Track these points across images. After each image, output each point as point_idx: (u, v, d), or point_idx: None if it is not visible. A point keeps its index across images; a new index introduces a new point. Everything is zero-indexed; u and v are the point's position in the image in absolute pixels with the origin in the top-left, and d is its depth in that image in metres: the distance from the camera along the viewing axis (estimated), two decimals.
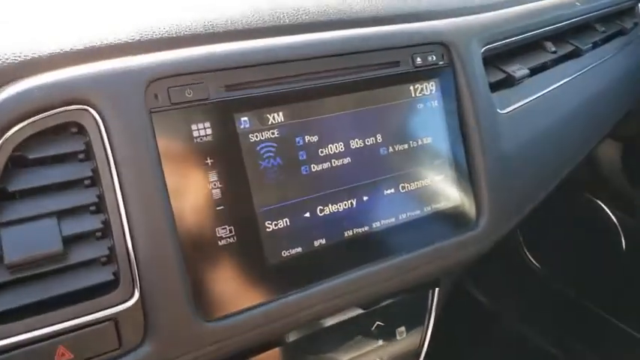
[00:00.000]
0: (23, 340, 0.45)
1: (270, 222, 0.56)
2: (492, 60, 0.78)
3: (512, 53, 0.83)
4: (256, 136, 0.55)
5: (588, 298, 1.34)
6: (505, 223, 0.72)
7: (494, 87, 0.75)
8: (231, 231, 0.54)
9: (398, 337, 0.72)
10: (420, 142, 0.66)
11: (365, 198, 0.62)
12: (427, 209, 0.66)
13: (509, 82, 0.79)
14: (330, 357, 0.68)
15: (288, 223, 0.57)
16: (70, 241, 0.47)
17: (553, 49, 0.88)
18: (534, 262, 1.51)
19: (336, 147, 0.60)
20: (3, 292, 0.45)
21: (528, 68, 0.81)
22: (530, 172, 0.77)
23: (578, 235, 1.40)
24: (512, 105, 0.77)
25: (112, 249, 0.49)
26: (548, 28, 0.86)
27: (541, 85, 0.83)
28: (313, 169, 0.58)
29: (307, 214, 0.58)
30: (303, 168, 0.58)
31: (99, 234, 0.49)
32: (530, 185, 0.78)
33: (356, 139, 0.61)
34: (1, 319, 0.44)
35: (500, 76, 0.78)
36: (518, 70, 0.79)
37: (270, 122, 0.56)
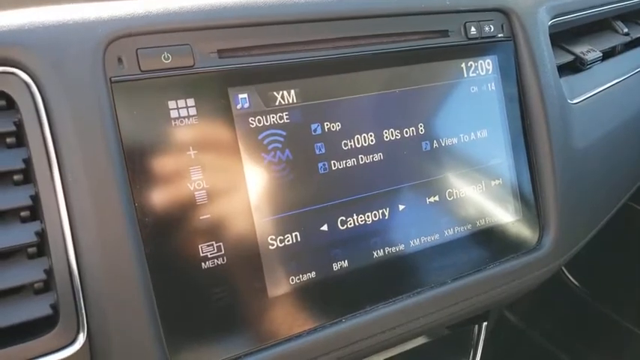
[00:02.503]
0: None
1: (274, 237, 0.41)
2: (557, 39, 0.62)
3: (578, 33, 0.68)
4: (259, 121, 0.41)
5: (632, 320, 1.17)
6: (574, 241, 0.57)
7: (560, 71, 0.60)
8: (219, 249, 0.39)
9: None
10: (472, 136, 0.51)
11: (401, 207, 0.47)
12: (479, 223, 0.51)
13: (577, 65, 0.63)
14: None
15: (299, 239, 0.42)
16: None
17: (625, 30, 0.73)
18: (572, 279, 1.35)
19: (365, 138, 0.45)
20: None
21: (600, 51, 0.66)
22: (604, 176, 0.61)
23: (620, 249, 1.24)
24: (582, 94, 0.61)
25: (49, 272, 0.34)
26: (622, 4, 0.70)
27: (613, 71, 0.68)
28: (334, 167, 0.44)
29: (325, 227, 0.44)
30: (320, 165, 0.43)
31: (32, 250, 0.34)
32: (605, 192, 0.62)
33: (391, 129, 0.46)
34: None
35: (567, 58, 0.63)
36: (588, 52, 0.64)
37: (277, 102, 0.42)
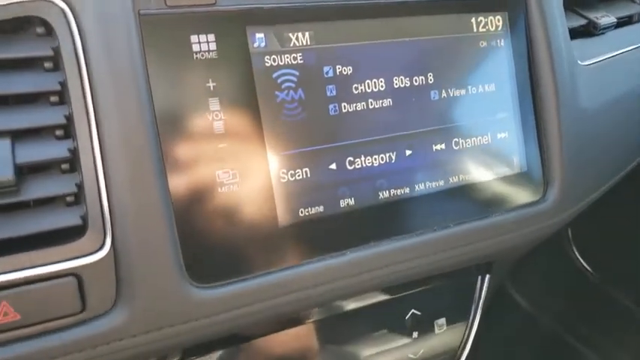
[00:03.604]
0: None
1: (285, 171, 0.44)
2: (572, 3, 0.63)
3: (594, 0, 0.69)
4: (273, 60, 0.44)
5: None
6: (578, 198, 0.58)
7: (572, 35, 0.61)
8: (234, 176, 0.42)
9: (436, 331, 0.59)
10: (480, 89, 0.53)
11: (408, 152, 0.49)
12: (484, 173, 0.53)
13: (590, 30, 0.64)
14: (352, 349, 0.56)
15: (309, 175, 0.45)
16: (26, 172, 0.37)
17: None
18: (585, 264, 1.35)
19: (375, 84, 0.48)
20: None
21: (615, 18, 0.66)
22: (610, 138, 0.63)
23: (633, 234, 1.23)
24: (593, 57, 0.62)
25: (80, 186, 0.38)
26: None
27: (627, 39, 0.68)
28: (344, 110, 0.46)
29: (333, 166, 0.46)
30: (331, 107, 0.46)
31: (65, 166, 0.38)
32: (611, 156, 0.64)
33: (401, 77, 0.49)
34: None
35: (580, 21, 0.64)
36: (602, 17, 0.65)
37: (292, 44, 0.44)
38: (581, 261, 1.34)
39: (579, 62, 0.59)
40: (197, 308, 0.41)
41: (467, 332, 0.63)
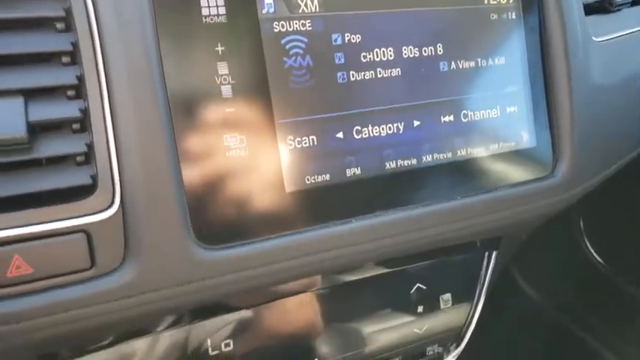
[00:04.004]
0: None
1: (292, 138, 0.45)
2: None
3: None
4: (282, 26, 0.44)
5: None
6: (588, 174, 0.58)
7: (587, 11, 0.60)
8: (242, 141, 0.43)
9: (442, 306, 0.60)
10: (490, 62, 0.52)
11: (416, 123, 0.49)
12: (493, 146, 0.53)
13: (605, 6, 0.63)
14: (356, 322, 0.57)
15: (316, 143, 0.46)
16: (38, 130, 0.38)
17: None
18: (597, 256, 1.33)
19: (384, 53, 0.48)
20: None
21: None
22: (623, 116, 0.62)
23: None
24: (608, 34, 0.61)
25: (90, 146, 0.39)
26: None
27: None
28: (352, 78, 0.47)
29: (340, 135, 0.47)
30: (339, 75, 0.46)
31: (76, 126, 0.39)
32: (623, 134, 0.63)
33: (410, 47, 0.48)
34: None
35: None
36: None
37: (301, 10, 0.44)
38: (593, 253, 1.33)
39: (593, 38, 0.59)
40: (203, 268, 0.41)
41: (472, 311, 0.63)
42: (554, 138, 0.55)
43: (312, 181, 0.46)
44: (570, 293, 1.33)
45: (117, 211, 0.39)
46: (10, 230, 0.36)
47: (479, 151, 0.52)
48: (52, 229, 0.37)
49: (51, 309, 0.37)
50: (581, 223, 1.31)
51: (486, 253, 0.61)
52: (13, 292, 0.37)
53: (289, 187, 0.45)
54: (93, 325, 0.40)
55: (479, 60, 0.52)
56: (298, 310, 0.53)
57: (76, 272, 0.38)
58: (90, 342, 0.45)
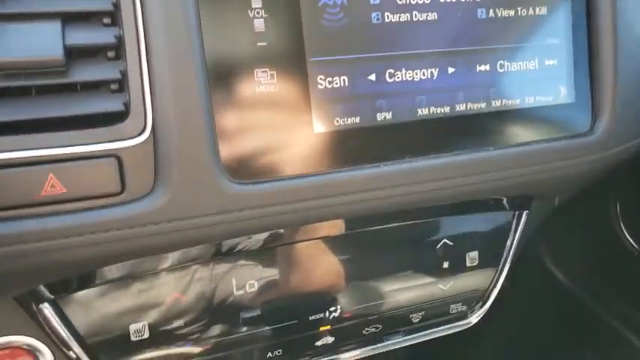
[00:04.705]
0: (8, 160, 0.37)
1: (323, 77, 0.44)
2: None
3: None
4: None
5: None
6: (630, 134, 0.56)
7: None
8: (272, 76, 0.42)
9: (468, 264, 0.59)
10: (531, 12, 0.50)
11: (451, 70, 0.48)
12: (529, 100, 0.51)
13: None
14: (378, 276, 0.56)
15: (347, 84, 0.45)
16: (74, 54, 0.38)
17: None
18: (632, 240, 1.29)
19: None
20: None
21: None
22: None
23: None
24: None
25: (124, 74, 0.39)
26: None
27: None
28: (387, 19, 0.46)
29: (372, 77, 0.46)
30: (374, 15, 0.45)
31: (111, 53, 0.39)
32: None
33: None
34: None
35: None
36: None
37: None
38: (628, 237, 1.28)
39: None
40: (231, 201, 0.42)
41: (497, 273, 0.62)
42: (595, 92, 0.53)
43: (342, 123, 0.45)
44: (599, 277, 1.29)
45: (148, 138, 0.39)
46: (46, 150, 0.37)
47: (514, 103, 0.51)
48: (85, 152, 0.38)
49: (82, 229, 0.38)
50: (618, 207, 1.26)
51: (516, 214, 0.60)
52: (46, 212, 0.38)
53: (318, 128, 0.44)
54: (119, 249, 0.40)
55: (519, 9, 0.50)
56: (322, 257, 0.53)
57: (106, 196, 0.39)
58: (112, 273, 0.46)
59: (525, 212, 0.59)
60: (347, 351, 0.56)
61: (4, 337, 0.45)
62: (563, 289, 1.31)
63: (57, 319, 0.45)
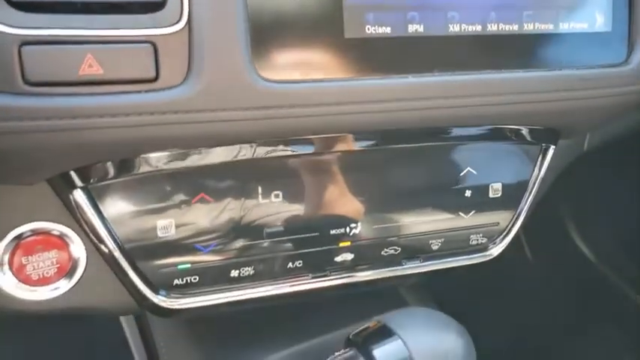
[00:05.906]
0: (49, 36, 0.38)
1: None
2: None
3: None
4: None
5: None
6: None
7: None
8: None
9: (491, 194, 0.59)
10: None
11: None
12: (563, 25, 0.50)
13: None
14: (400, 197, 0.56)
15: None
16: None
17: None
18: None
19: None
20: None
21: None
22: None
23: None
24: None
25: None
26: None
27: None
28: None
29: None
30: None
31: None
32: None
33: None
34: (25, 8, 0.38)
35: None
36: None
37: None
38: None
39: None
40: (259, 97, 0.43)
41: (520, 208, 0.61)
42: (633, 23, 0.52)
43: (373, 32, 0.46)
44: (626, 256, 1.27)
45: (183, 28, 0.40)
46: (85, 30, 0.39)
47: (547, 28, 0.50)
48: (123, 35, 0.39)
49: (115, 109, 0.40)
50: None
51: (542, 148, 0.59)
52: (82, 91, 0.39)
53: (349, 33, 0.45)
54: (150, 135, 0.42)
55: None
56: (347, 173, 0.53)
57: (141, 82, 0.40)
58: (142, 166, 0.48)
59: (552, 147, 0.59)
60: (364, 270, 0.57)
61: (39, 223, 0.48)
62: (588, 262, 1.29)
63: (89, 206, 0.47)
